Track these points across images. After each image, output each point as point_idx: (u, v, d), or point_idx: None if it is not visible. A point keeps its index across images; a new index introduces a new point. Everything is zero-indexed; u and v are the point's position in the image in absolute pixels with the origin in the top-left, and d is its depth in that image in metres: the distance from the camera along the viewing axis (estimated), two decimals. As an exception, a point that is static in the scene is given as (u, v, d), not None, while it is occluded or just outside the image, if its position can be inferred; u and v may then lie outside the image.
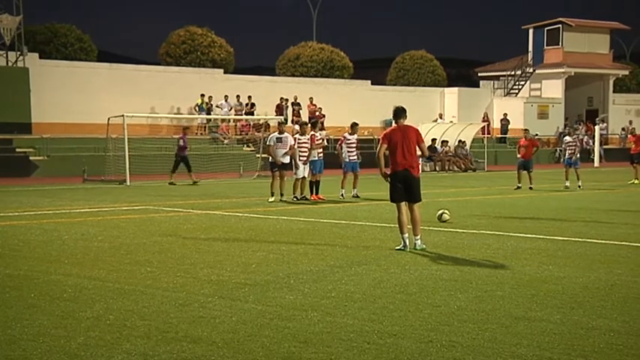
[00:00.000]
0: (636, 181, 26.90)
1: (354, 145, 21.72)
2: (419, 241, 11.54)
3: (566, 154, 25.59)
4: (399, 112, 11.80)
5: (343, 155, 21.59)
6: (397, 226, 11.76)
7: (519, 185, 24.36)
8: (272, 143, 20.68)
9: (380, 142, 11.90)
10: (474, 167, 40.04)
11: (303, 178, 20.62)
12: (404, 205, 11.70)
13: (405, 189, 11.62)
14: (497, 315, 7.44)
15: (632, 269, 9.93)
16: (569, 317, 7.35)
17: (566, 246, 12.04)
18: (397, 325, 7.07)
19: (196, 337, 6.71)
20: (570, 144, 25.49)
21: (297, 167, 20.60)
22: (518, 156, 24.99)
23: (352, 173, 21.58)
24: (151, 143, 34.74)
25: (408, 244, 11.51)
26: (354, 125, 22.04)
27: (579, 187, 24.60)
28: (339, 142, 21.87)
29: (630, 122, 54.79)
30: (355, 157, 21.66)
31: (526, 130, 27.77)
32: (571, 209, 18.22)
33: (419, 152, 11.81)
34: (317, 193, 20.78)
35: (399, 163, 11.57)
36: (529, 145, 24.78)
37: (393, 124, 11.82)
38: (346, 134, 21.98)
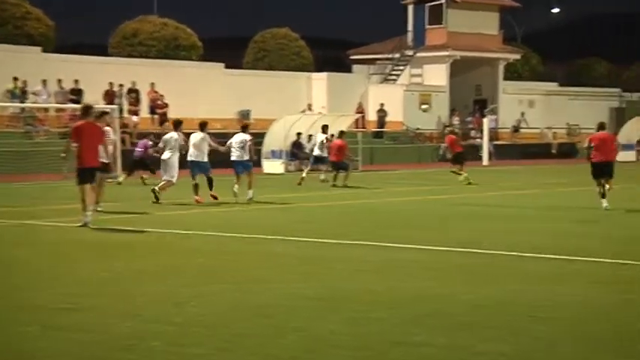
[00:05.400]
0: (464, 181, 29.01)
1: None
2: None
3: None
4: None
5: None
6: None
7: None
8: None
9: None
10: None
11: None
12: None
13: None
14: (373, 340, 7.61)
15: (522, 282, 10.34)
16: (455, 341, 7.59)
17: (448, 257, 12.42)
18: (254, 355, 7.12)
19: (9, 375, 6.54)
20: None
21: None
22: (333, 158, 29.48)
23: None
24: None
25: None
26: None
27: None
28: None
29: (522, 114, 56.58)
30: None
31: (342, 132, 31.31)
32: (455, 214, 18.79)
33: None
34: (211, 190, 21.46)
35: None
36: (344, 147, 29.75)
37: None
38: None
